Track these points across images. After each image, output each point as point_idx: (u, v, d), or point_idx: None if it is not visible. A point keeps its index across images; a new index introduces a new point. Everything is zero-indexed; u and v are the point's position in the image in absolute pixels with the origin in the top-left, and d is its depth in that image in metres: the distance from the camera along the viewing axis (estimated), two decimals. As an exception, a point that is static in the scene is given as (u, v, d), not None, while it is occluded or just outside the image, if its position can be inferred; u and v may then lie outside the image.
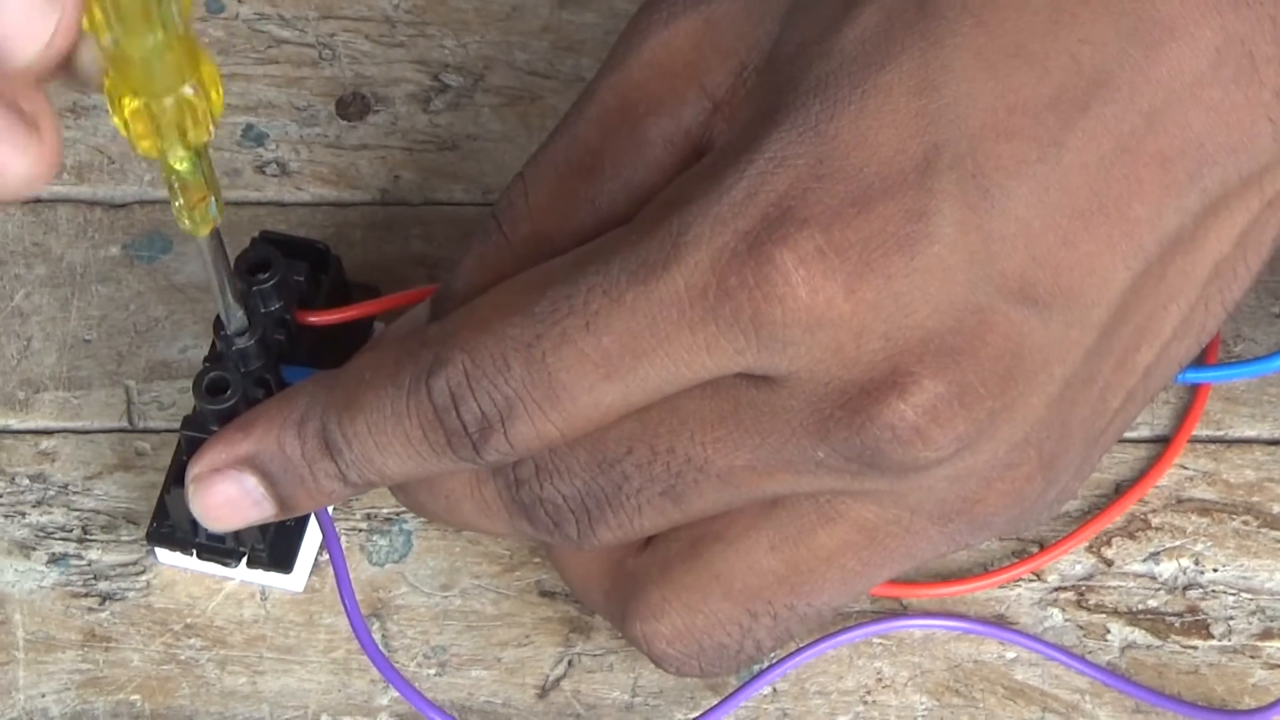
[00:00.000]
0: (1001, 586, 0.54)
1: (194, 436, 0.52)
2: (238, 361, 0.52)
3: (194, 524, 0.54)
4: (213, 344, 0.54)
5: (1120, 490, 0.54)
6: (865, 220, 0.44)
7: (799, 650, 0.53)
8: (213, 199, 0.49)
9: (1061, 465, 0.47)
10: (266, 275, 0.54)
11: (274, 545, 0.55)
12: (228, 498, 0.50)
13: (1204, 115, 0.46)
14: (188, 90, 0.46)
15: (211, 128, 0.47)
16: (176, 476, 0.54)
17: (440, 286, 0.51)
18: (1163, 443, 0.55)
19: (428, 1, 0.64)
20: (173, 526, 0.55)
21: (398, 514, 0.54)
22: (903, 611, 0.54)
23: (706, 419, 0.47)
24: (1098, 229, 0.46)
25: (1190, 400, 0.55)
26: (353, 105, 0.61)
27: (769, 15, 0.50)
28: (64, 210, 0.59)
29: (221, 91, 0.47)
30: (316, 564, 0.54)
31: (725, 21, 0.51)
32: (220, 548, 0.54)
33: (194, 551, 0.54)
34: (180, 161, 0.47)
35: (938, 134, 0.45)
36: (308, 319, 0.55)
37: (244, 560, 0.55)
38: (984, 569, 0.54)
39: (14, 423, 0.55)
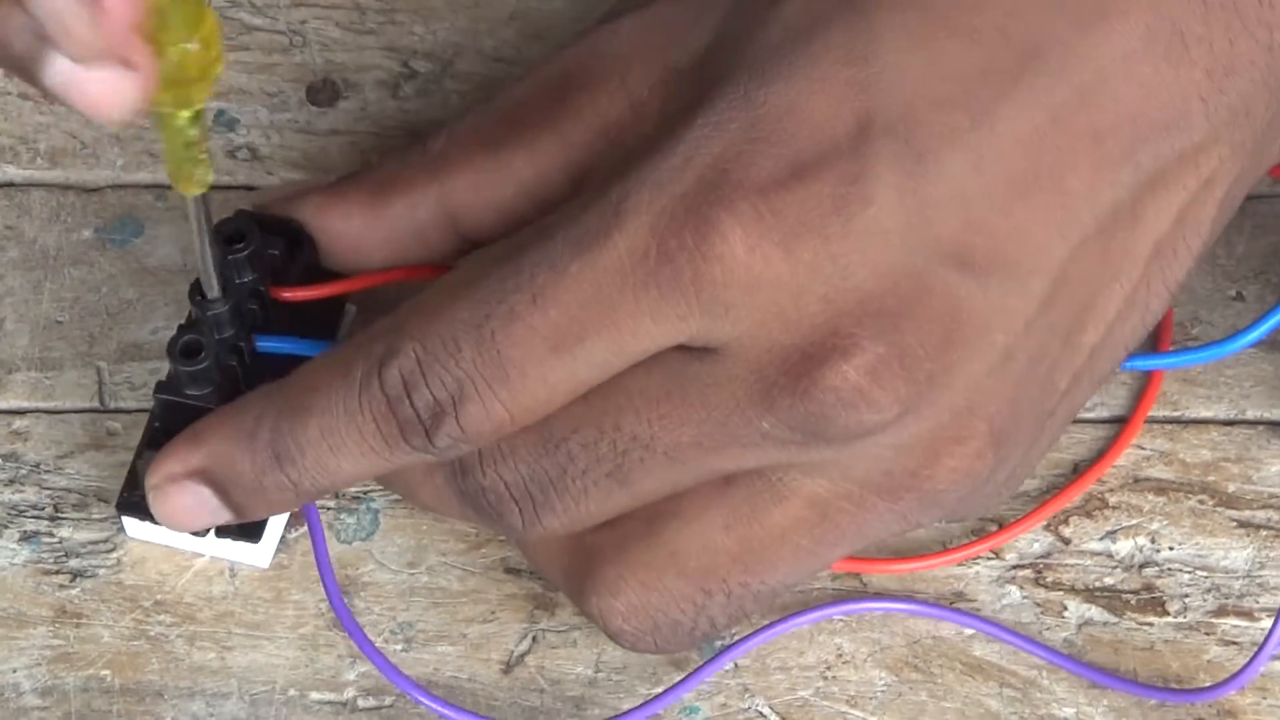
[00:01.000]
0: (961, 564, 0.53)
1: (167, 400, 0.52)
2: (212, 327, 0.52)
3: None
4: (189, 312, 0.54)
5: (1078, 470, 0.55)
6: (801, 183, 0.45)
7: (762, 629, 0.53)
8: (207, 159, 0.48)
9: (1011, 443, 0.47)
10: (241, 245, 0.54)
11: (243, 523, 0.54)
12: (185, 506, 0.51)
13: (1136, 91, 0.47)
14: (193, 45, 0.45)
15: (213, 85, 0.46)
16: (149, 442, 0.54)
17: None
18: (1120, 423, 0.55)
19: None
20: (142, 495, 0.54)
21: (365, 492, 0.55)
22: (863, 591, 0.54)
23: (651, 395, 0.47)
24: (1033, 199, 0.46)
25: (1146, 381, 0.55)
26: (323, 91, 0.61)
27: (706, 21, 0.51)
28: (37, 194, 0.59)
29: (222, 49, 0.46)
30: (285, 541, 0.54)
31: (661, 24, 0.51)
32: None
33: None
34: (182, 118, 0.46)
35: (869, 101, 0.45)
36: (281, 294, 0.54)
37: (211, 531, 0.53)
38: (943, 546, 0.54)
39: (-13, 403, 0.55)
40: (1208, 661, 0.53)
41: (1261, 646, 0.52)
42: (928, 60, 0.46)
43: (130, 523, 0.55)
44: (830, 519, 0.48)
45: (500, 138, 0.53)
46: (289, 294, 0.55)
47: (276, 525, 0.55)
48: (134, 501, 0.55)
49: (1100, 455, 0.55)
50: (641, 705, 0.52)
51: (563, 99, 0.53)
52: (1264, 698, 0.53)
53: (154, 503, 0.51)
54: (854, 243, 0.44)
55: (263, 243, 0.55)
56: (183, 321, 0.55)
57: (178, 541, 0.55)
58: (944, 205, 0.45)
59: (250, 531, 0.55)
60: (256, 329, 0.55)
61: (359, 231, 0.55)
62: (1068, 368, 0.48)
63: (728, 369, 0.45)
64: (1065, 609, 0.53)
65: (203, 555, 0.55)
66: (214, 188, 0.56)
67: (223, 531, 0.55)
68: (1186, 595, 0.54)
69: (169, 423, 0.54)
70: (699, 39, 0.51)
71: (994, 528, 0.54)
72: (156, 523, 0.55)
